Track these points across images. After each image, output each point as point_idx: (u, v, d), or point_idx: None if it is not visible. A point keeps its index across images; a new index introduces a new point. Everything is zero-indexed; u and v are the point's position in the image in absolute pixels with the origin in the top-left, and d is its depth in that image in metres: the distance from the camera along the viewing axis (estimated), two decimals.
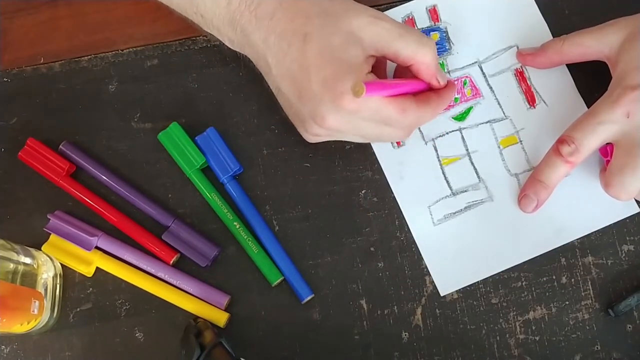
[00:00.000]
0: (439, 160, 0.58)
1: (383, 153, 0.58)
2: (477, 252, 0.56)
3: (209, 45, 0.60)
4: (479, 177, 0.57)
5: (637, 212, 0.56)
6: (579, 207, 0.56)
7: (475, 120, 0.58)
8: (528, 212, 0.56)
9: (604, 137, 0.52)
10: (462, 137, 0.58)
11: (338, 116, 0.50)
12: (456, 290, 0.56)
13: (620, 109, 0.50)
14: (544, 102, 0.58)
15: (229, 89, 0.59)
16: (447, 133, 0.58)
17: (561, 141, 0.53)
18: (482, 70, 0.59)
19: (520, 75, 0.58)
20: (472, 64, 0.59)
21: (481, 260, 0.56)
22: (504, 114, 0.58)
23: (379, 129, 0.51)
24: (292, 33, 0.50)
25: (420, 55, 0.50)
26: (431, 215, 0.57)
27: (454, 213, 0.57)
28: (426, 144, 0.58)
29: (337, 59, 0.49)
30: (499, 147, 0.58)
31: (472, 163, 0.57)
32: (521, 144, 0.57)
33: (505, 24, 0.59)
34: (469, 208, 0.57)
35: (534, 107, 0.58)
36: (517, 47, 0.58)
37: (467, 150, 0.58)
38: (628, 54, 0.52)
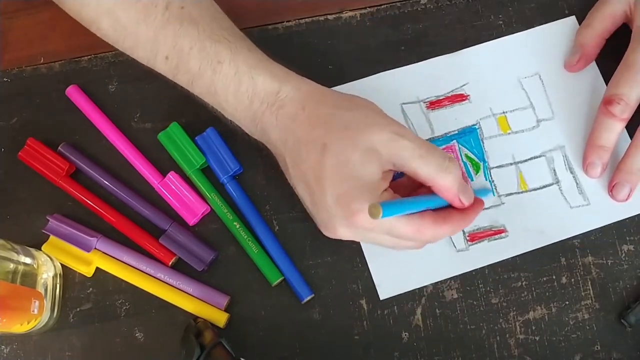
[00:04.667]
0: None
1: None
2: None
3: None
4: None
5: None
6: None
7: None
8: (596, 177, 0.56)
9: None
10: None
11: (350, 231, 0.49)
12: (456, 290, 0.56)
13: None
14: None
15: None
16: None
17: (609, 102, 0.54)
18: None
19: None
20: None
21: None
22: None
23: (393, 242, 0.51)
24: (312, 141, 0.49)
25: (439, 179, 0.48)
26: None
27: None
28: None
29: (353, 177, 0.48)
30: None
31: None
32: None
33: None
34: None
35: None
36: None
37: None
38: None
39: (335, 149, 0.48)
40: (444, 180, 0.48)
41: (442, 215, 0.50)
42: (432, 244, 0.54)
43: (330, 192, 0.48)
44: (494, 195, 0.57)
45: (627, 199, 0.55)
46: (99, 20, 0.53)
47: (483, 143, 0.58)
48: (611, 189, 0.55)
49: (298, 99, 0.50)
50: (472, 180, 0.57)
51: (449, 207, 0.51)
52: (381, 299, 0.56)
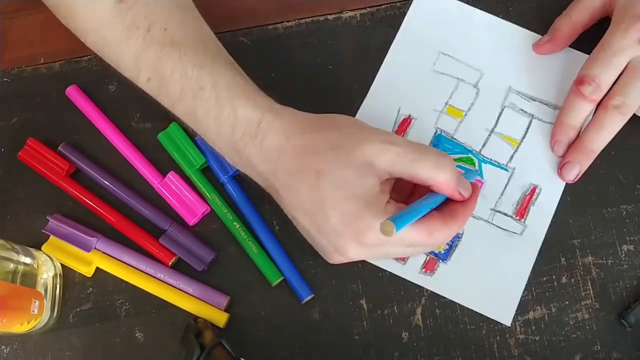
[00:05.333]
0: None
1: None
2: None
3: None
4: None
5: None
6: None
7: None
8: (560, 155, 0.56)
9: (620, 66, 0.53)
10: None
11: (361, 249, 0.49)
12: None
13: (632, 37, 0.52)
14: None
15: None
16: None
17: (580, 82, 0.54)
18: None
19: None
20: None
21: None
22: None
23: (406, 251, 0.51)
24: (303, 170, 0.48)
25: (437, 177, 0.48)
26: None
27: None
28: None
29: (354, 195, 0.47)
30: None
31: None
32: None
33: None
34: None
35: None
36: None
37: None
38: None
39: (328, 172, 0.48)
40: (442, 178, 0.48)
41: (447, 213, 0.50)
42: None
43: (333, 215, 0.48)
44: (481, 176, 0.57)
45: (574, 180, 0.56)
46: (85, 34, 0.53)
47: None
48: (561, 167, 0.56)
49: (280, 128, 0.49)
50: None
51: (450, 201, 0.51)
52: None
